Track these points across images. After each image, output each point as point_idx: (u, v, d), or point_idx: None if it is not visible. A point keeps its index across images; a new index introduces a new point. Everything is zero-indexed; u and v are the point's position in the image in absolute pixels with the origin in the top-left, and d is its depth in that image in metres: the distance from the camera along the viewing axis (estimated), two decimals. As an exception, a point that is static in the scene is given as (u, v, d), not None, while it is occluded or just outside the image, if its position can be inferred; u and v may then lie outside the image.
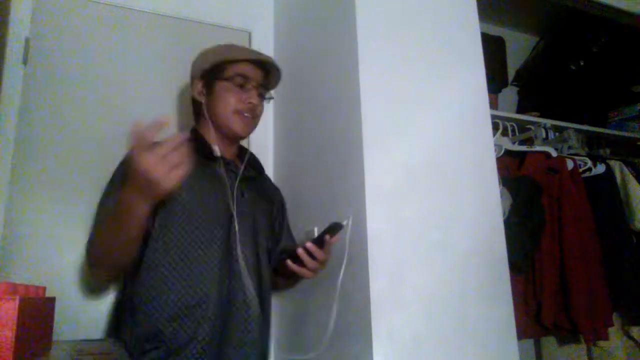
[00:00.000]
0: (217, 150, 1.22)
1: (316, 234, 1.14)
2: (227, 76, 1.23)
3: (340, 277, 1.11)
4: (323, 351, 1.15)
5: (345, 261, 1.13)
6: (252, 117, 1.25)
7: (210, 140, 1.24)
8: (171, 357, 1.05)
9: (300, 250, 1.10)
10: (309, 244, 1.10)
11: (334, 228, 1.10)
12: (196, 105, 1.29)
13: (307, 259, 1.10)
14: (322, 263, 1.13)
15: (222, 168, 1.21)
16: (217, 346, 1.10)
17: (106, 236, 1.05)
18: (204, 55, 1.28)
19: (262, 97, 1.28)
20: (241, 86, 1.23)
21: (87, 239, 1.13)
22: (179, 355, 1.05)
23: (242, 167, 1.26)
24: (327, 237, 1.09)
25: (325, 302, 1.18)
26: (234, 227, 1.17)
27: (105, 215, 1.08)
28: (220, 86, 1.23)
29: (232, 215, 1.18)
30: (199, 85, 1.26)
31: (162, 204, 1.10)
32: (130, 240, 1.02)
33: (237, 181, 1.23)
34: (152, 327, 1.06)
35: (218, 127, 1.25)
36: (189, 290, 1.09)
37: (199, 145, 1.20)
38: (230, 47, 1.29)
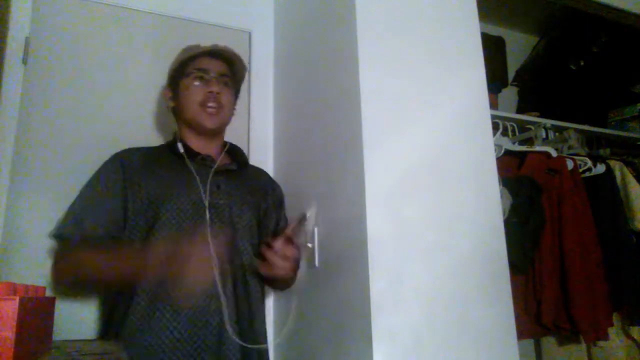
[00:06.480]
0: (179, 147, 1.25)
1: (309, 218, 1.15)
2: (186, 73, 1.27)
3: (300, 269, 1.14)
4: (281, 341, 1.16)
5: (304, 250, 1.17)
6: (218, 107, 1.26)
7: (181, 138, 1.28)
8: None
9: (264, 248, 1.13)
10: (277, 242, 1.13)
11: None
12: (171, 111, 1.34)
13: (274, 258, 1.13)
14: (295, 260, 1.16)
15: (192, 163, 1.23)
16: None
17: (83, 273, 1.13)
18: (171, 64, 1.32)
19: (226, 85, 1.30)
20: (201, 79, 1.26)
21: (54, 262, 1.20)
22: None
23: (218, 160, 1.28)
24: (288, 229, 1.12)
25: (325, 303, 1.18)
26: (206, 219, 1.16)
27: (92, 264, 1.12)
28: (183, 85, 1.27)
29: (205, 208, 1.17)
30: (167, 92, 1.32)
31: (132, 206, 1.15)
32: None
33: (212, 174, 1.23)
34: (127, 329, 1.07)
35: (190, 125, 1.28)
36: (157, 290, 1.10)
37: (169, 146, 1.28)
38: (188, 47, 1.32)
